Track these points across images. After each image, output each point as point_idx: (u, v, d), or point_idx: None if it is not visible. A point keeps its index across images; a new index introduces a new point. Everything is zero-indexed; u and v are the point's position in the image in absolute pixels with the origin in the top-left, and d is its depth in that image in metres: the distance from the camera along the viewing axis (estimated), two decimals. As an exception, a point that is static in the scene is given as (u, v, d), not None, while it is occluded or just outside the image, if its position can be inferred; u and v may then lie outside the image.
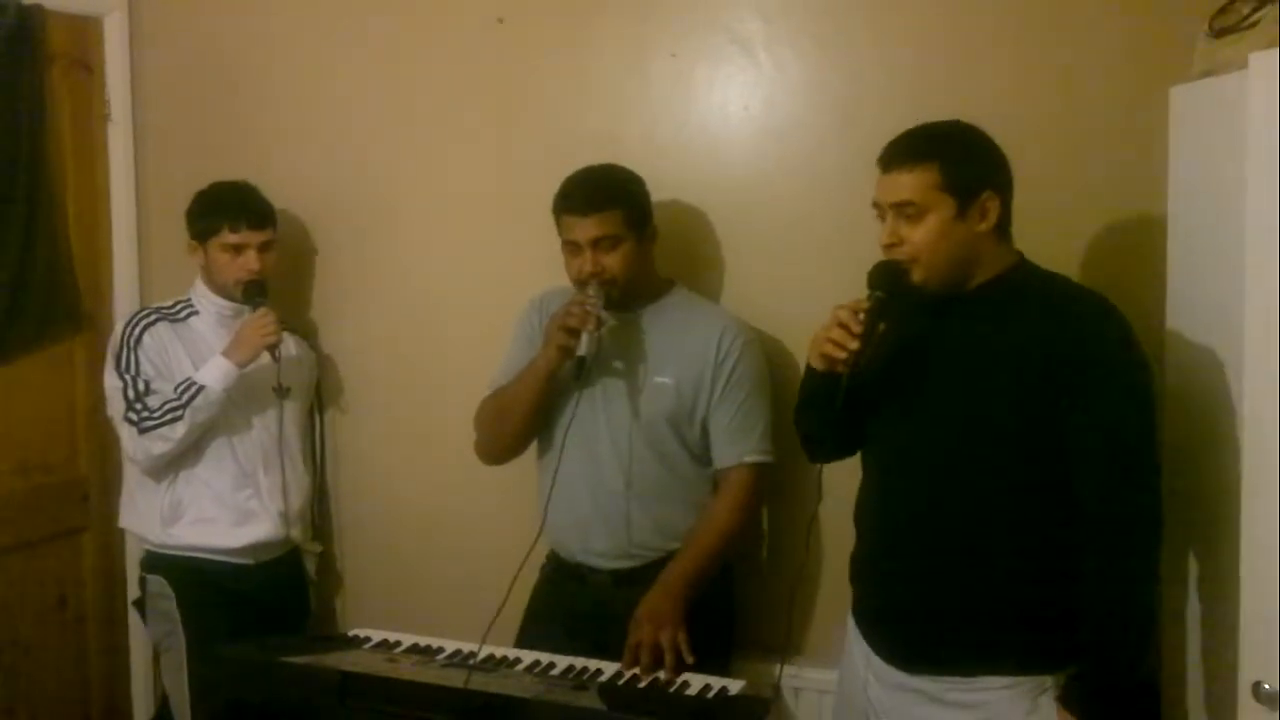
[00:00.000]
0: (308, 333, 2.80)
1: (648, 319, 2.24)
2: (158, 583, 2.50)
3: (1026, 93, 2.21)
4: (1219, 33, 1.95)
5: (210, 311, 2.53)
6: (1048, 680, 1.71)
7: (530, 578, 2.30)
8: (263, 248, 2.50)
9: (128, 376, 2.43)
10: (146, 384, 2.42)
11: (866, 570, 1.91)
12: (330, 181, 2.79)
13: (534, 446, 2.34)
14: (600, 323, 2.10)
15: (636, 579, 2.19)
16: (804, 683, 2.36)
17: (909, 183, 1.71)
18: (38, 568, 2.85)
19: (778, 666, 2.15)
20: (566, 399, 2.20)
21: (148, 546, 2.55)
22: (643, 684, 1.93)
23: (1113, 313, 1.70)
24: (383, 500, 2.83)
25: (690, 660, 1.97)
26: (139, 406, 2.40)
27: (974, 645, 1.74)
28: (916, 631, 1.80)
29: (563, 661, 2.02)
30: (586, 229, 2.12)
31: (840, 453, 1.96)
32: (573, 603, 2.25)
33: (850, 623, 1.95)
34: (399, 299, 2.77)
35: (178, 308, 2.54)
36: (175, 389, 2.40)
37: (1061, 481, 1.67)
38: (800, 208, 2.40)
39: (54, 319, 2.83)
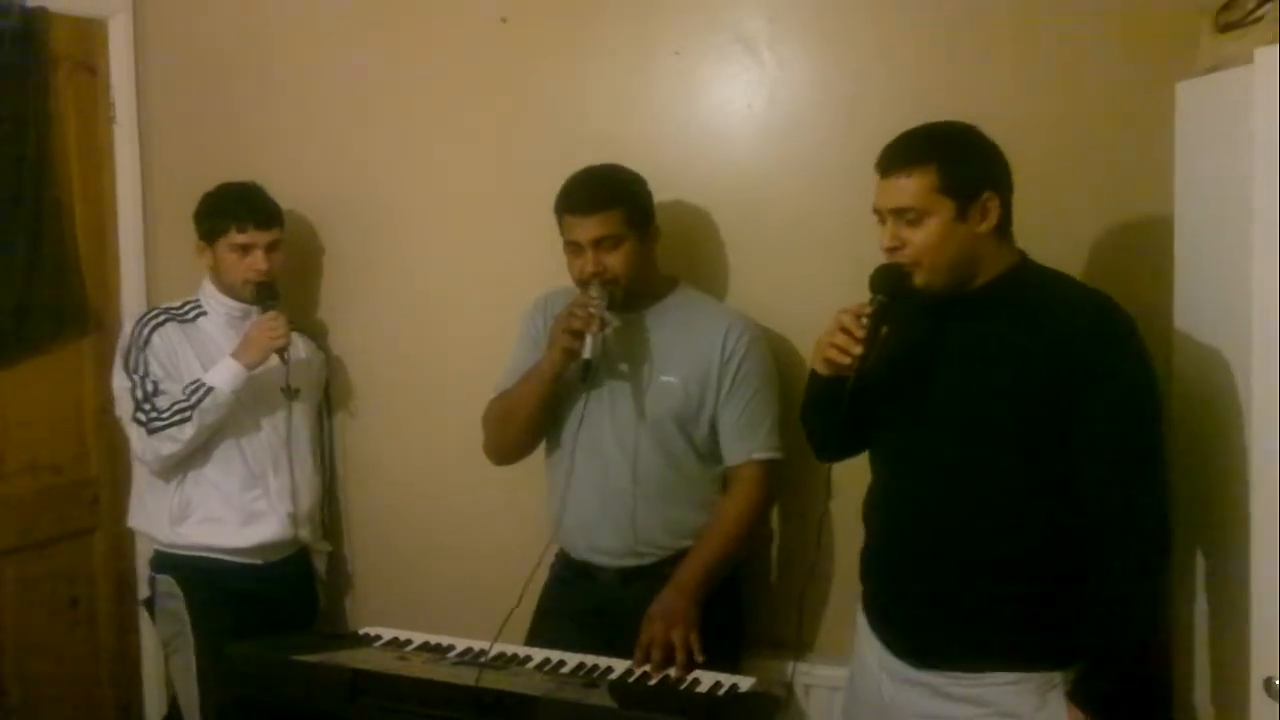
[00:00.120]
0: (316, 333, 2.80)
1: (652, 318, 2.24)
2: (166, 582, 2.51)
3: (1031, 89, 2.21)
4: (1224, 28, 1.95)
5: (219, 312, 2.54)
6: (1056, 676, 1.71)
7: (540, 575, 2.30)
8: (270, 247, 2.51)
9: (136, 377, 2.43)
10: (155, 385, 2.43)
11: (876, 567, 1.92)
12: (335, 181, 2.80)
13: (542, 446, 2.35)
14: (604, 324, 2.10)
15: (645, 576, 2.20)
16: (815, 679, 2.36)
17: (907, 187, 1.70)
18: (48, 568, 2.86)
19: (789, 664, 2.16)
20: (573, 399, 2.21)
21: (156, 546, 2.56)
22: (653, 681, 1.94)
23: (1116, 310, 1.70)
24: (391, 499, 2.84)
25: (700, 659, 1.98)
26: (147, 407, 2.40)
27: (982, 641, 1.75)
28: (925, 627, 1.81)
29: (573, 659, 2.03)
30: (588, 229, 2.12)
31: (848, 453, 1.98)
32: (582, 600, 2.26)
33: (860, 618, 1.95)
34: (405, 298, 2.78)
35: (186, 308, 2.55)
36: (184, 390, 2.40)
37: (1067, 479, 1.67)
38: (804, 205, 2.40)
39: (62, 320, 2.84)
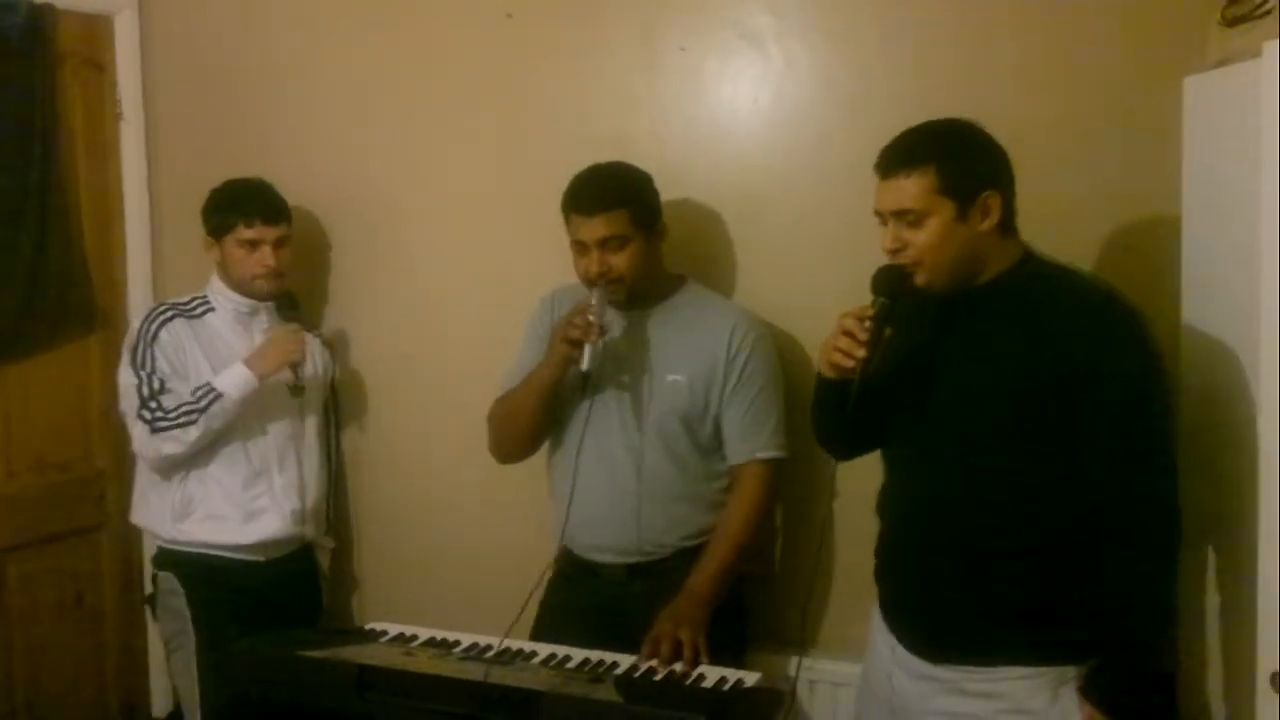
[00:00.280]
0: (321, 329, 2.80)
1: (659, 317, 2.24)
2: (168, 579, 2.51)
3: (1037, 85, 2.20)
4: (1232, 21, 1.95)
5: (227, 308, 2.54)
6: (1070, 671, 1.71)
7: (542, 570, 2.31)
8: (278, 243, 2.51)
9: (143, 374, 2.43)
10: (161, 382, 2.43)
11: (890, 564, 1.92)
12: (340, 177, 2.80)
13: (546, 443, 2.35)
14: (603, 331, 2.10)
15: (649, 573, 2.21)
16: (819, 675, 2.36)
17: (907, 189, 1.70)
18: (55, 565, 2.87)
19: (793, 659, 2.15)
20: (578, 398, 2.21)
21: (159, 543, 2.56)
22: (659, 677, 1.94)
23: (1121, 303, 1.69)
24: (396, 495, 2.84)
25: (705, 661, 1.98)
26: (153, 405, 2.40)
27: (995, 636, 1.74)
28: (939, 622, 1.81)
29: (578, 654, 2.03)
30: (594, 229, 2.12)
31: (859, 451, 1.98)
32: (586, 597, 2.26)
33: (875, 613, 1.95)
34: (411, 295, 2.78)
35: (194, 304, 2.55)
36: (193, 393, 2.40)
37: (1077, 473, 1.67)
38: (810, 200, 2.40)
39: (69, 317, 2.84)
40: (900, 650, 1.86)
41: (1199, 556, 1.84)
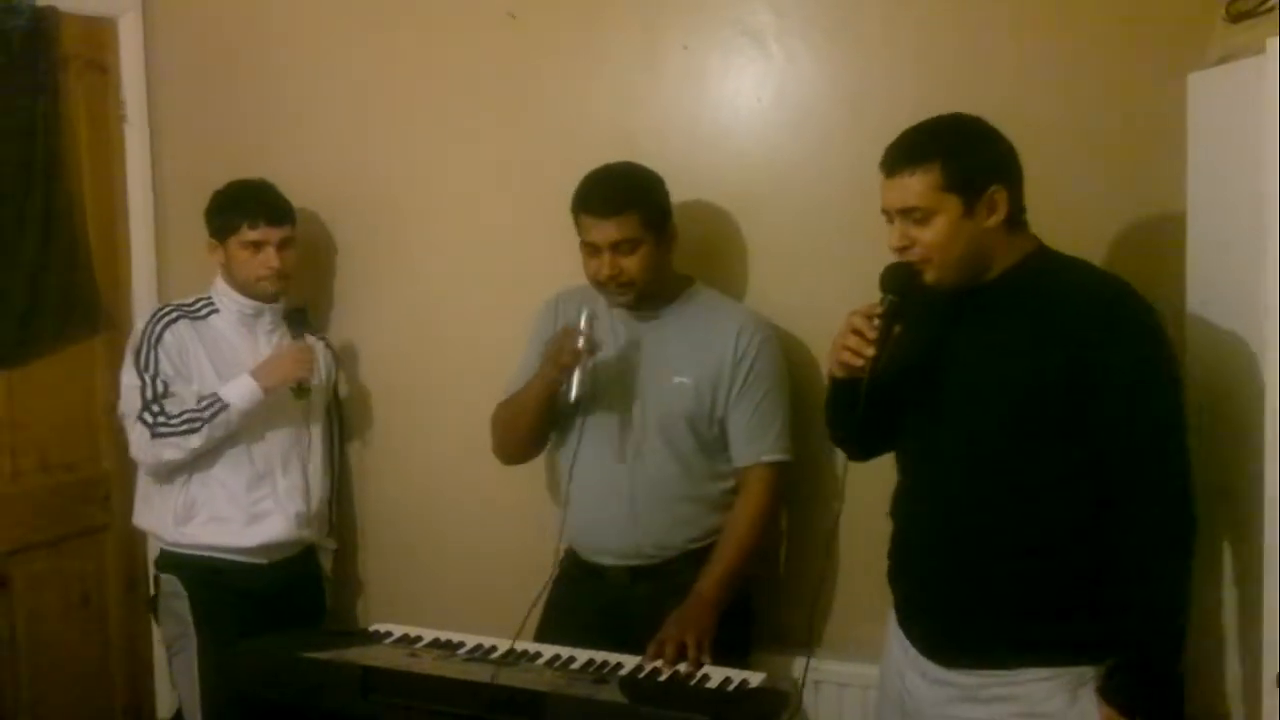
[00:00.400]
0: (325, 331, 2.80)
1: (666, 318, 2.24)
2: (170, 582, 2.50)
3: (1041, 82, 2.19)
4: (1236, 18, 1.94)
5: (231, 310, 2.54)
6: (1089, 672, 1.68)
7: (549, 573, 2.31)
8: (282, 244, 2.51)
9: (146, 376, 2.43)
10: (165, 386, 2.42)
11: (901, 564, 1.89)
12: (344, 178, 2.80)
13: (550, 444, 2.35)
14: (594, 350, 2.10)
15: (653, 575, 2.21)
16: (823, 676, 2.35)
17: (912, 186, 1.69)
18: (60, 565, 2.87)
19: (797, 660, 2.15)
20: (583, 397, 2.19)
21: (162, 545, 2.56)
22: (663, 677, 1.94)
23: (1132, 295, 1.67)
24: (399, 497, 2.84)
25: (707, 663, 1.98)
26: (155, 409, 2.40)
27: (1012, 638, 1.72)
28: (954, 626, 1.79)
29: (583, 655, 2.03)
30: (605, 232, 2.11)
31: (875, 452, 1.97)
32: (590, 599, 2.26)
33: (890, 617, 1.93)
34: (415, 296, 2.78)
35: (198, 305, 2.54)
36: (199, 402, 2.40)
37: (1090, 469, 1.65)
38: (813, 198, 2.39)
39: (73, 318, 2.84)
40: (915, 655, 1.84)
41: (1203, 553, 1.83)
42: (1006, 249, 1.73)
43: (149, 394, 2.42)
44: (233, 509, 2.49)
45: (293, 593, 2.57)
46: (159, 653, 3.04)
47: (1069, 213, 2.08)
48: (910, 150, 1.72)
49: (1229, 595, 1.81)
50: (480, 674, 1.89)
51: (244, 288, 2.53)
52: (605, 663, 2.00)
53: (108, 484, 2.95)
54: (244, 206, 2.50)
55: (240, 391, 2.41)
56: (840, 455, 2.02)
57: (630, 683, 1.90)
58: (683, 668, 1.96)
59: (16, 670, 2.76)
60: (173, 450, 2.40)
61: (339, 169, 2.80)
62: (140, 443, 2.42)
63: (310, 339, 2.60)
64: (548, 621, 2.26)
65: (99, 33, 2.90)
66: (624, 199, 2.12)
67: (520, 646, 2.05)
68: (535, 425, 2.27)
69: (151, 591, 2.63)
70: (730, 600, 2.13)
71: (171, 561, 2.52)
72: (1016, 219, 1.74)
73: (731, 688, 1.89)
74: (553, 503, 2.34)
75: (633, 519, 2.21)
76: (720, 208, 2.47)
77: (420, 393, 2.79)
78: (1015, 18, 2.23)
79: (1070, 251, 1.82)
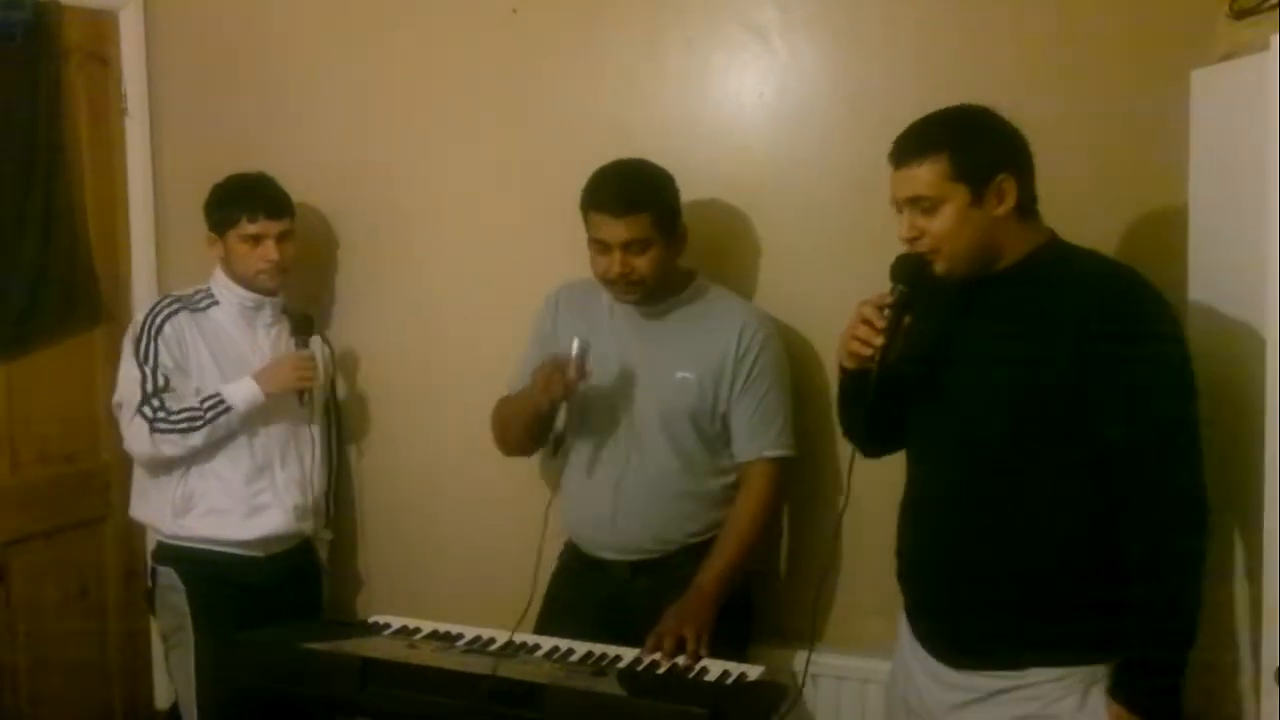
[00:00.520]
0: (327, 328, 2.80)
1: (669, 313, 2.24)
2: (168, 574, 2.50)
3: (1043, 78, 2.19)
4: (1240, 14, 1.94)
5: (231, 302, 2.54)
6: (1100, 670, 1.66)
7: (550, 564, 2.31)
8: (281, 237, 2.51)
9: (146, 369, 2.43)
10: (165, 379, 2.42)
11: (909, 561, 1.87)
12: (345, 173, 2.80)
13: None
14: (585, 375, 2.09)
15: (654, 569, 2.21)
16: (821, 669, 2.34)
17: (920, 176, 1.69)
18: (60, 557, 2.87)
19: (796, 653, 2.15)
20: (583, 395, 2.19)
21: (159, 538, 2.56)
22: (662, 670, 1.94)
23: (1147, 288, 1.66)
24: (398, 490, 2.84)
25: (705, 655, 1.98)
26: (155, 404, 2.40)
27: (1022, 636, 1.70)
28: (963, 625, 1.77)
29: (582, 647, 2.03)
30: (616, 231, 2.10)
31: (887, 446, 1.95)
32: (591, 592, 2.26)
33: (901, 617, 1.92)
34: (414, 291, 2.78)
35: (198, 297, 2.54)
36: (202, 402, 2.41)
37: (1100, 463, 1.63)
38: (816, 194, 2.39)
39: (73, 310, 2.84)
40: (924, 655, 1.83)
41: (1211, 549, 1.82)
42: (1017, 239, 1.72)
43: (149, 387, 2.41)
44: (231, 502, 2.49)
45: (290, 585, 2.57)
46: (157, 644, 3.04)
47: (1071, 209, 2.06)
48: (918, 140, 1.72)
49: (1240, 590, 1.78)
50: (479, 666, 1.89)
51: (243, 281, 2.52)
52: (604, 655, 2.00)
53: (107, 475, 2.95)
54: (243, 200, 2.50)
55: (242, 395, 2.42)
56: (845, 451, 2.01)
57: (629, 675, 1.90)
58: (681, 661, 1.96)
59: (15, 661, 2.76)
60: (172, 447, 2.40)
61: (340, 163, 2.80)
62: (138, 436, 2.41)
63: (312, 343, 2.60)
64: (548, 614, 2.26)
65: (100, 25, 2.90)
66: (637, 198, 2.11)
67: (519, 638, 2.06)
68: (525, 438, 2.29)
69: (148, 584, 2.63)
70: (729, 594, 2.13)
71: (169, 554, 2.51)
72: (1027, 209, 1.73)
73: (730, 681, 1.89)
74: (553, 496, 2.33)
75: (634, 513, 2.21)
76: (723, 203, 2.46)
77: (418, 386, 2.79)
78: (1018, 14, 2.22)
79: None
